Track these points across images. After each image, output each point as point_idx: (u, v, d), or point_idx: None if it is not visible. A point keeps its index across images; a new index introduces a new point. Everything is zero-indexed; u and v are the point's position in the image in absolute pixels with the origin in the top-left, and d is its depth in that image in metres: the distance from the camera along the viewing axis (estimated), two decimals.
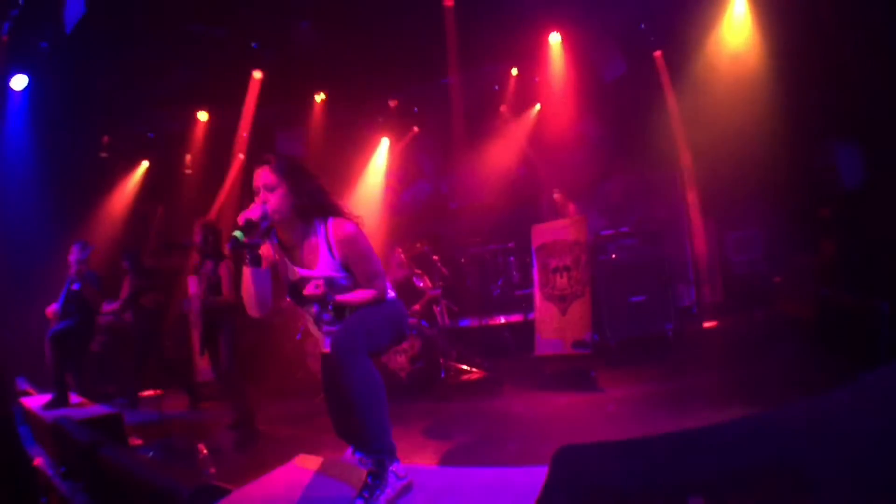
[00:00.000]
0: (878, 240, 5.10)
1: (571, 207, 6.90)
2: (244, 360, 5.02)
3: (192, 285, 7.49)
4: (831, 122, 5.65)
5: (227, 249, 2.35)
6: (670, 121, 7.56)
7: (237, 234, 2.08)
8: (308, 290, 2.20)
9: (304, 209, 2.24)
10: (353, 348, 2.07)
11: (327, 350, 2.36)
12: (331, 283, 2.25)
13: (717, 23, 6.70)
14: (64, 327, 4.98)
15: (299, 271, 2.30)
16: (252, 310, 2.27)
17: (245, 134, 8.43)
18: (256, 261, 2.18)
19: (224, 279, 4.54)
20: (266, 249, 2.27)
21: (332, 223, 2.26)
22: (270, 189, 2.21)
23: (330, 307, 2.28)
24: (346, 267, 2.26)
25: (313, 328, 2.48)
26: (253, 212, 2.14)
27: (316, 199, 2.27)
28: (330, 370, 2.34)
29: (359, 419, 2.07)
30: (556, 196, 7.06)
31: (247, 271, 2.19)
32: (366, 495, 2.02)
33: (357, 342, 2.10)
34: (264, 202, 2.19)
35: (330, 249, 2.24)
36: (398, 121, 9.08)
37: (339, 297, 2.24)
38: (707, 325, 6.58)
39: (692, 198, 7.43)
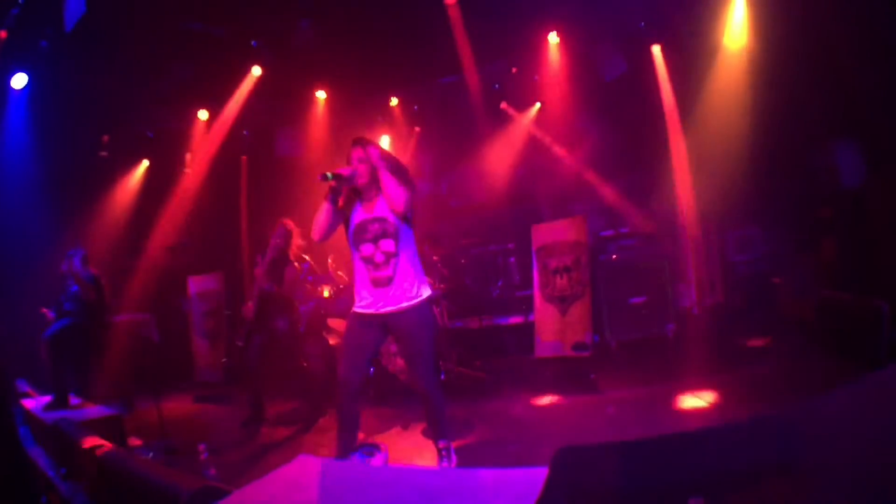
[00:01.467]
0: (878, 240, 5.10)
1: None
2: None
3: (193, 286, 7.51)
4: (831, 122, 5.65)
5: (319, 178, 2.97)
6: (670, 120, 7.56)
7: (328, 174, 2.91)
8: (369, 227, 3.01)
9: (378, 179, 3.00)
10: (436, 380, 3.07)
11: (360, 310, 3.03)
12: (383, 221, 2.99)
13: (717, 22, 6.70)
14: (60, 327, 4.98)
15: (363, 214, 3.06)
16: (315, 234, 3.03)
17: (245, 132, 8.44)
18: (334, 200, 2.99)
19: (287, 280, 4.90)
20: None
21: None
22: (361, 161, 3.01)
23: (382, 242, 2.99)
24: (399, 214, 2.98)
25: (361, 281, 3.06)
26: (345, 169, 2.98)
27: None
28: (357, 335, 3.04)
29: (439, 418, 3.10)
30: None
31: (325, 204, 2.98)
32: (446, 459, 3.11)
33: (436, 375, 3.16)
34: (355, 169, 3.00)
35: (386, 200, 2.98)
36: (398, 119, 9.08)
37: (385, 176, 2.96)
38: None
39: (692, 197, 7.43)
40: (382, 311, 2.99)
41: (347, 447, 3.06)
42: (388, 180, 2.94)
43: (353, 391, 3.01)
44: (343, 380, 3.02)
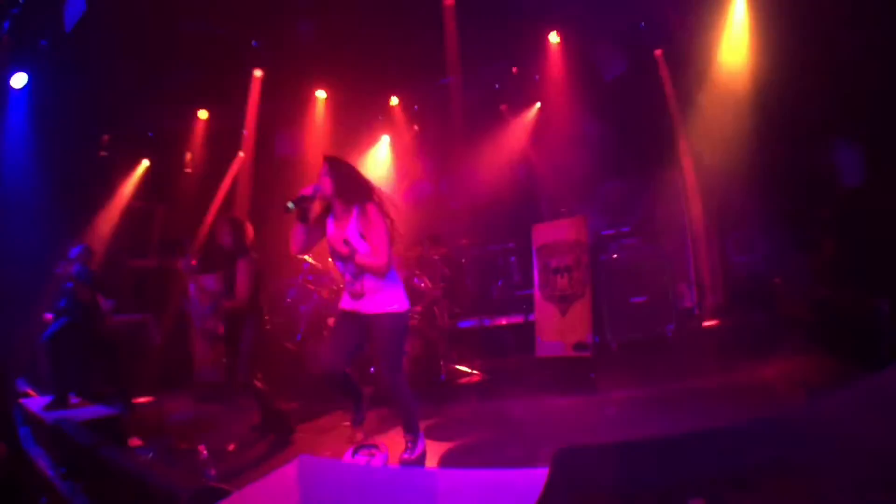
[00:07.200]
0: (878, 240, 5.09)
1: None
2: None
3: (193, 286, 7.50)
4: (831, 122, 5.65)
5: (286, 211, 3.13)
6: (671, 120, 7.56)
7: (289, 204, 3.14)
8: (338, 248, 3.26)
9: (344, 194, 3.25)
10: (398, 369, 3.32)
11: (345, 307, 3.37)
12: (350, 244, 3.21)
13: (718, 22, 6.70)
14: (59, 328, 4.98)
15: (334, 229, 3.32)
16: (292, 249, 3.35)
17: (246, 132, 8.43)
18: (303, 218, 3.25)
19: (240, 276, 4.37)
20: (313, 212, 3.31)
21: (363, 206, 3.22)
22: (326, 175, 3.25)
23: (351, 264, 3.24)
24: (363, 236, 3.20)
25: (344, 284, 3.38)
26: (307, 188, 3.23)
27: (353, 188, 3.26)
28: (345, 325, 3.36)
29: (405, 412, 3.44)
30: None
31: (295, 225, 3.27)
32: (410, 447, 3.38)
33: (398, 366, 3.33)
34: (317, 185, 3.24)
35: (356, 222, 3.22)
36: (398, 119, 9.07)
37: (357, 258, 3.19)
38: (707, 323, 6.51)
39: (693, 198, 7.43)
40: (363, 311, 3.30)
41: (358, 412, 3.55)
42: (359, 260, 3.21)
43: (338, 379, 3.33)
44: (327, 369, 3.30)
